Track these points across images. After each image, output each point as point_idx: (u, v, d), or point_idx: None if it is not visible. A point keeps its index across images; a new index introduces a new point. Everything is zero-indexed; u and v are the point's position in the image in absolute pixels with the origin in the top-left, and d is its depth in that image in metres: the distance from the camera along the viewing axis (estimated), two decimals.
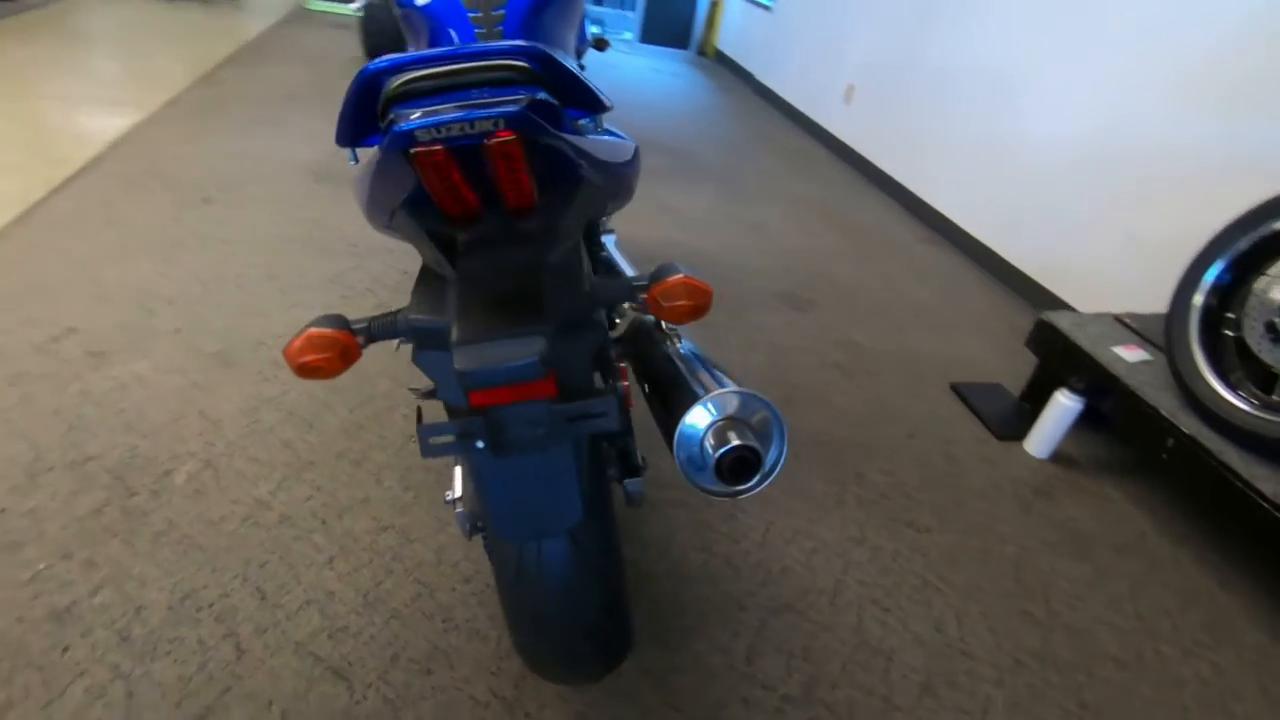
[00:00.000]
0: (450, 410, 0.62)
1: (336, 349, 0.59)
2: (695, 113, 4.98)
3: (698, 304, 0.63)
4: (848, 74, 4.34)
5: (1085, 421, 2.02)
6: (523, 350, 0.55)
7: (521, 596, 0.79)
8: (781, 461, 0.73)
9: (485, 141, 0.53)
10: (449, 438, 0.61)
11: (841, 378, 2.08)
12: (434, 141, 0.53)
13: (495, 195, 0.66)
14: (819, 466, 1.69)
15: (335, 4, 5.66)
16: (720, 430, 0.71)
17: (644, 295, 0.63)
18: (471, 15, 1.19)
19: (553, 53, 0.57)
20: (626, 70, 5.98)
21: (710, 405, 0.72)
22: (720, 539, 1.44)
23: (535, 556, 0.77)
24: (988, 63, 3.17)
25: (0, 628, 1.04)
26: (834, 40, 4.58)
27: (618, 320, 1.36)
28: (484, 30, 1.19)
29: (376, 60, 0.56)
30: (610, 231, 1.09)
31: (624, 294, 0.64)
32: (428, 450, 0.61)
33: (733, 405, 0.73)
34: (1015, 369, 2.25)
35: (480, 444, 0.62)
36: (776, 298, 2.49)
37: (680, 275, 0.63)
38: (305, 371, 0.59)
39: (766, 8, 5.75)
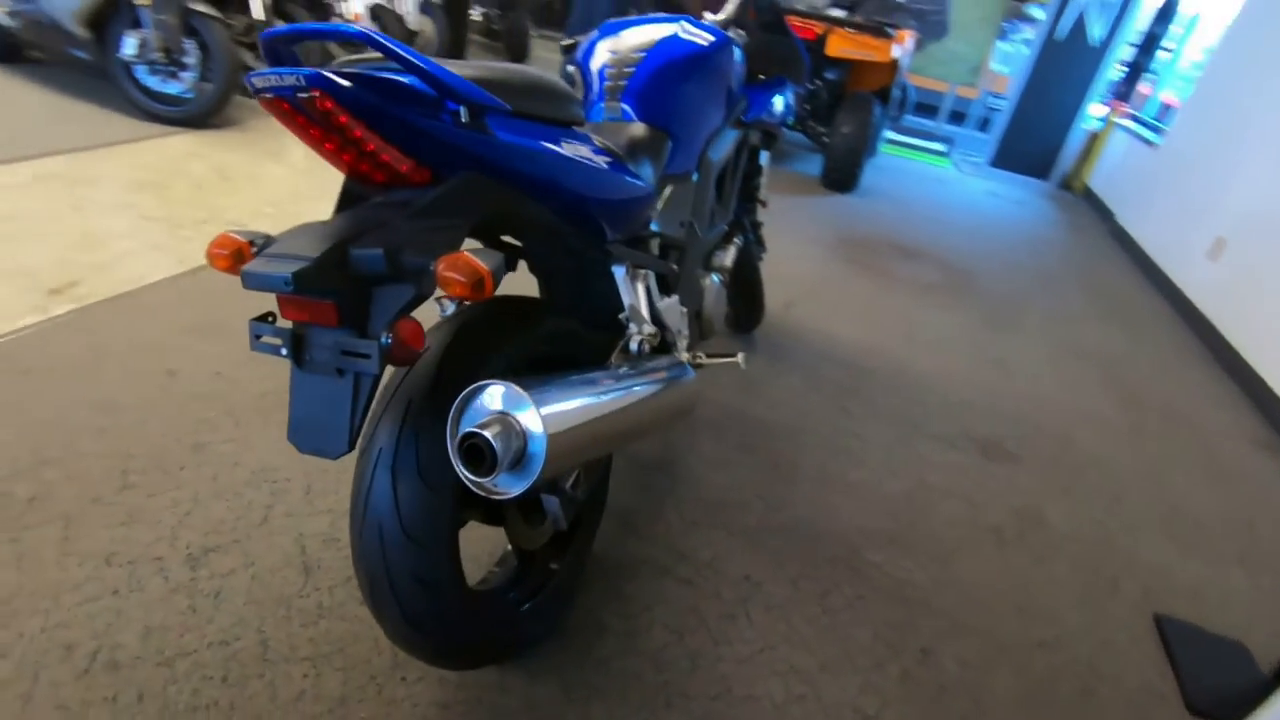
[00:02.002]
0: None
1: (231, 249, 0.77)
2: (1015, 242, 4.48)
3: (470, 281, 0.66)
4: (1221, 224, 3.48)
5: None
6: (284, 267, 0.66)
7: (353, 533, 0.88)
8: (530, 479, 0.72)
9: (295, 94, 0.67)
10: (267, 338, 0.75)
11: (990, 544, 1.68)
12: (267, 90, 0.68)
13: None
14: (877, 621, 1.40)
15: None
16: (488, 421, 0.72)
17: (434, 267, 0.69)
18: (607, 70, 1.37)
19: (379, 37, 0.68)
20: (957, 188, 5.66)
21: (492, 395, 0.72)
22: (700, 631, 1.29)
23: (365, 498, 0.85)
24: None
25: (165, 442, 1.48)
26: (1215, 183, 3.74)
27: None
28: (611, 83, 1.36)
29: (271, 30, 0.74)
30: (620, 261, 1.13)
31: (420, 264, 0.70)
32: (254, 343, 0.76)
33: (510, 404, 0.72)
34: None
35: (284, 352, 0.74)
36: (969, 439, 2.11)
37: (463, 252, 0.67)
38: (209, 259, 0.79)
39: (1152, 144, 4.93)
